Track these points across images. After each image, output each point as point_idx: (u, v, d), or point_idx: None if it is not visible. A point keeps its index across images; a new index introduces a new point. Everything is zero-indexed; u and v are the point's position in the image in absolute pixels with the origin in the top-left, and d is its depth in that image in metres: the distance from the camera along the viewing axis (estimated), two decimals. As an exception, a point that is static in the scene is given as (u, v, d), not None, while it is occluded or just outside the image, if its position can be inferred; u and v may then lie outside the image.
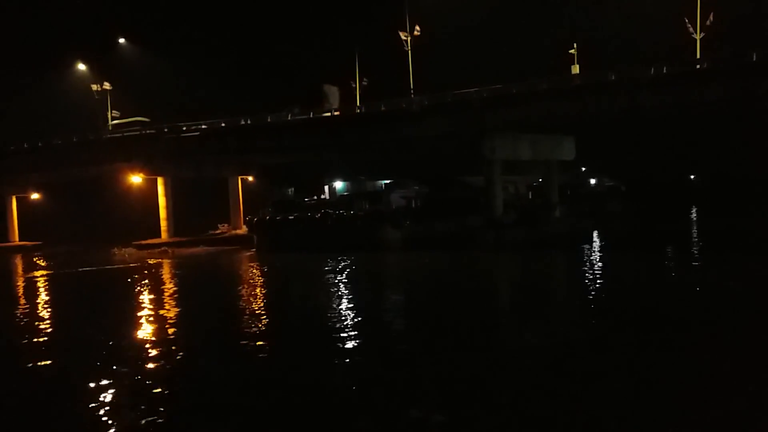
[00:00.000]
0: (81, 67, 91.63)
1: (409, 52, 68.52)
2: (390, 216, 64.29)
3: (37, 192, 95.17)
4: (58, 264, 62.27)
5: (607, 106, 56.02)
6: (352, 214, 64.97)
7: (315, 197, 73.33)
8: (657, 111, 57.52)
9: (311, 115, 71.21)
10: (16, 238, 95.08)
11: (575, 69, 61.06)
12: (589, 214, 78.44)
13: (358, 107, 70.43)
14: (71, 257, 68.48)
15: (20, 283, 50.34)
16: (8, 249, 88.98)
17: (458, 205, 65.84)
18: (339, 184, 74.90)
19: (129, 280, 45.93)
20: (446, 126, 62.13)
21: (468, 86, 59.98)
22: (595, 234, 64.84)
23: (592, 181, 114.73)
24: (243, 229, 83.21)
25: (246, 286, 40.89)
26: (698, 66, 53.41)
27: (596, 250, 52.44)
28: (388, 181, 73.83)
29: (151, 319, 29.06)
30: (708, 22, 55.42)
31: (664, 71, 52.72)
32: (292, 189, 76.56)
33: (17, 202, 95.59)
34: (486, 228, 60.59)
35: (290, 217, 68.93)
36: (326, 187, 75.08)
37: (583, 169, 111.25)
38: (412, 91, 67.40)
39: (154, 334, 25.76)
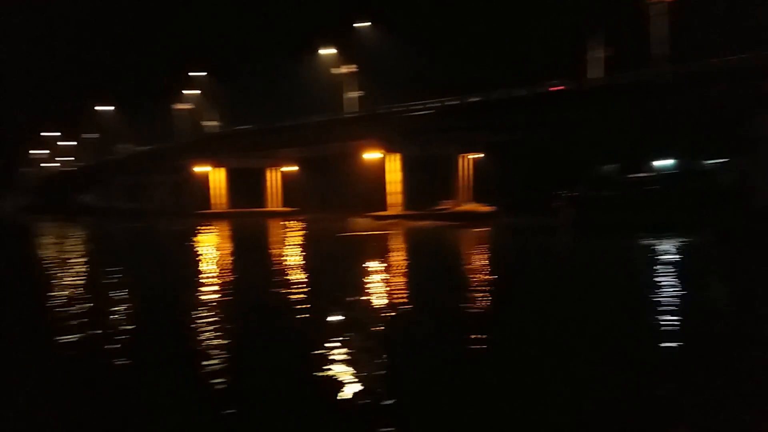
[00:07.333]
0: (323, 52, 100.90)
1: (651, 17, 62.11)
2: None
3: (293, 166, 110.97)
4: (325, 228, 70.50)
5: None
6: (682, 192, 57.80)
7: (638, 174, 66.44)
8: None
9: (538, 91, 69.58)
10: (276, 205, 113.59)
11: None
12: None
13: (593, 80, 66.72)
14: (328, 223, 77.39)
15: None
16: (269, 214, 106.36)
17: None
18: (663, 162, 66.76)
19: (391, 243, 52.76)
20: (705, 98, 55.59)
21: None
22: None
23: None
24: (465, 206, 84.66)
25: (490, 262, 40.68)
26: None
27: None
28: (717, 160, 64.78)
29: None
30: None
31: None
32: (615, 165, 69.09)
33: (277, 174, 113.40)
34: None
35: (610, 194, 63.32)
36: (652, 164, 67.12)
37: None
38: (666, 58, 61.09)
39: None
